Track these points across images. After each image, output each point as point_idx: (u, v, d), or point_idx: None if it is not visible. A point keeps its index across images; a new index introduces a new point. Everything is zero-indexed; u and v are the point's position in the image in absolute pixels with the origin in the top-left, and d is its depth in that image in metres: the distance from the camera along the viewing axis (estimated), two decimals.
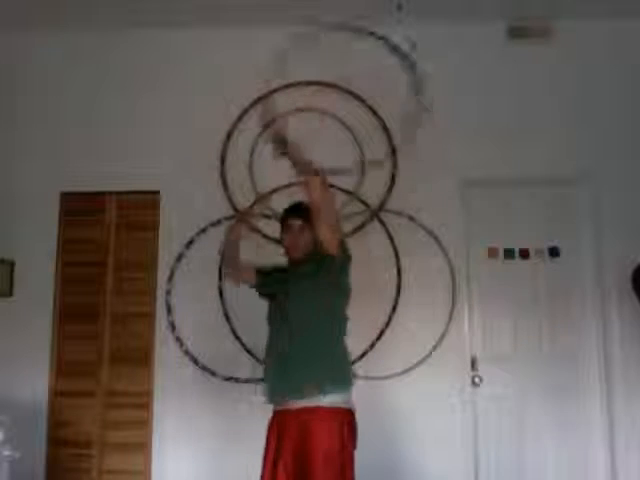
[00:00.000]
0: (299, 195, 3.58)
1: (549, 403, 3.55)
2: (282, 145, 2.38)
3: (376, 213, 3.62)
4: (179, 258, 3.62)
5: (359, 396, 2.40)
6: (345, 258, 2.45)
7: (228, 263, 2.81)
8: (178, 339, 3.55)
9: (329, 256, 2.37)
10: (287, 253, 2.59)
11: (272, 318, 2.55)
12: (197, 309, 3.59)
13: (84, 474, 3.53)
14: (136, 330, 3.64)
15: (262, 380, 2.49)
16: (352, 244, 3.51)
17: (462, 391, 3.47)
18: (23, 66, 3.91)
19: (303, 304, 2.41)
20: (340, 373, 2.39)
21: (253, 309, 3.53)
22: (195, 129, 3.74)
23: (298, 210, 2.57)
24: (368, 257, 3.52)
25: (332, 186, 3.62)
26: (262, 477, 2.33)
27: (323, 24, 2.73)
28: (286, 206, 2.66)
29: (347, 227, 3.61)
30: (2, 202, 3.77)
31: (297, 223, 2.54)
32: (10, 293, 3.69)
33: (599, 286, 3.59)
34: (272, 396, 2.40)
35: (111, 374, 3.61)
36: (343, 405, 2.32)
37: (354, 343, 2.66)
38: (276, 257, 3.57)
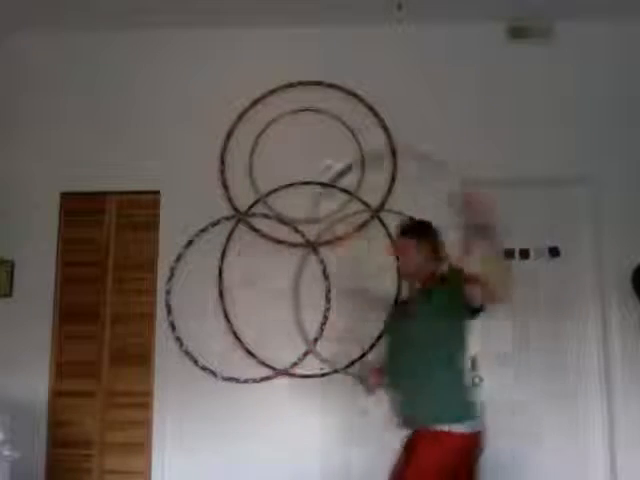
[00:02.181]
0: (298, 195, 3.66)
1: (549, 403, 3.54)
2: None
3: (376, 213, 3.62)
4: (179, 258, 3.62)
5: None
6: None
7: None
8: (178, 339, 3.55)
9: None
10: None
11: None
12: (197, 309, 3.58)
13: (84, 474, 3.53)
14: (136, 330, 3.64)
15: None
16: (352, 244, 3.61)
17: None
18: (23, 66, 3.91)
19: None
20: None
21: (253, 309, 3.60)
22: (195, 129, 3.74)
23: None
24: (368, 257, 3.54)
25: (332, 186, 3.66)
26: None
27: None
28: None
29: (347, 227, 3.63)
30: (2, 202, 3.77)
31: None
32: (10, 293, 3.69)
33: (599, 286, 3.59)
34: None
35: (111, 374, 3.61)
36: None
37: None
38: (275, 257, 3.63)
